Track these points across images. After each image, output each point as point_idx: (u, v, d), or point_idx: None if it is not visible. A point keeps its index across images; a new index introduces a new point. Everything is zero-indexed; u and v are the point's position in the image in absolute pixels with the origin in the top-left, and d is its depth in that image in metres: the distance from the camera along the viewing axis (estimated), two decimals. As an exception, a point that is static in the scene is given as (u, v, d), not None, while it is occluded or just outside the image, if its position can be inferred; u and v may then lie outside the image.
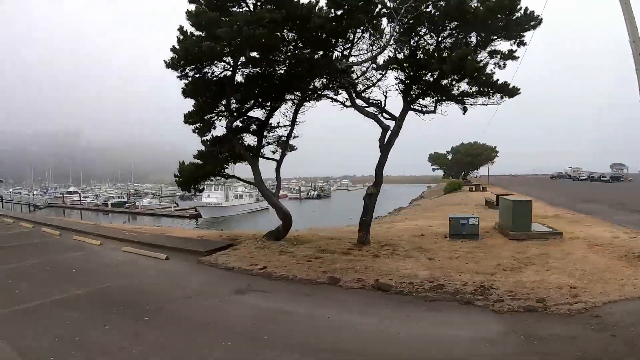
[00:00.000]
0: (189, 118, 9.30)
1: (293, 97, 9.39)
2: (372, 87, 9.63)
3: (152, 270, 7.74)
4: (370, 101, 9.61)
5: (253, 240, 10.16)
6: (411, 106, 9.71)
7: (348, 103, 9.40)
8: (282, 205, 10.14)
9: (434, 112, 10.01)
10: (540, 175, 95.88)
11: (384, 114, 9.70)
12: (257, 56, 7.72)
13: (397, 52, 9.14)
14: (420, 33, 8.92)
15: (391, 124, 9.46)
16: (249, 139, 10.76)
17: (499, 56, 9.13)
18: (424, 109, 10.00)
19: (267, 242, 9.89)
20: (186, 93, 8.23)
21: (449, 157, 50.58)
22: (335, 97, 9.57)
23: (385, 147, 9.26)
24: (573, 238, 9.62)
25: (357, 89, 9.44)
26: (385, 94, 9.57)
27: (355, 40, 8.42)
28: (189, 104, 8.95)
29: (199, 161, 10.35)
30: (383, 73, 9.27)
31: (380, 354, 4.12)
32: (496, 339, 4.29)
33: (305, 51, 7.64)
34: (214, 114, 9.28)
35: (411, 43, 8.99)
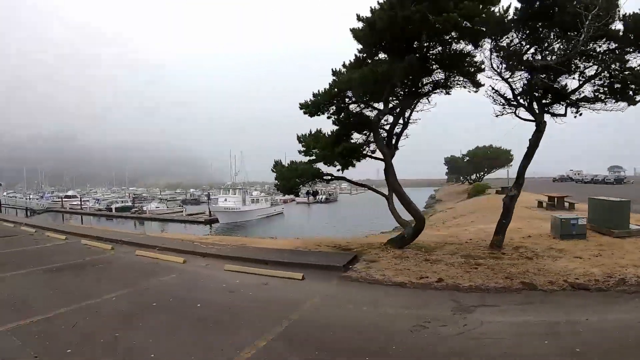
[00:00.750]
0: (312, 107, 8.29)
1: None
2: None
3: (314, 295, 6.11)
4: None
5: (378, 249, 9.20)
6: (545, 109, 9.08)
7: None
8: (419, 209, 9.23)
9: (564, 115, 9.46)
10: (540, 178, 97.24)
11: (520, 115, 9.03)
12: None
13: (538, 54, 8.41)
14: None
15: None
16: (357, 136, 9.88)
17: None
18: (555, 113, 9.43)
19: (395, 250, 8.95)
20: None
21: (464, 160, 50.49)
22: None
23: (534, 148, 8.57)
24: (664, 233, 10.03)
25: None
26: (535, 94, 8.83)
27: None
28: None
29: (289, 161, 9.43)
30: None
31: None
32: None
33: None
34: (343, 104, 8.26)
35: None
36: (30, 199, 61.69)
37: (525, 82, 8.25)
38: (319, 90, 8.31)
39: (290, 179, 9.39)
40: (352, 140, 9.53)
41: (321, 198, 66.12)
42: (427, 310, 5.29)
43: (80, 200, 57.75)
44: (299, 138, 9.85)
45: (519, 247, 9.25)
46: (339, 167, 9.65)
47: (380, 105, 8.76)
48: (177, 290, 6.72)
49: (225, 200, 39.99)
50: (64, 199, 60.65)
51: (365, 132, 9.61)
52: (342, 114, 8.11)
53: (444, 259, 8.03)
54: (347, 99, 8.56)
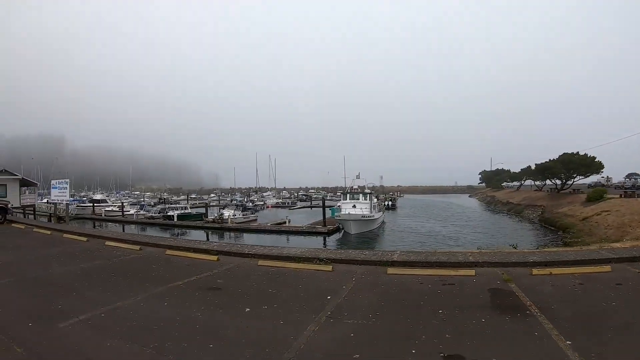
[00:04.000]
0: None
1: None
2: None
3: None
4: None
5: None
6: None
7: None
8: None
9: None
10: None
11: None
12: None
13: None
14: None
15: None
16: None
17: None
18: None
19: None
20: None
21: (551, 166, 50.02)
22: None
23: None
24: None
25: None
26: None
27: None
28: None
29: None
30: None
31: None
32: None
33: None
34: None
35: None
36: (47, 202, 50.19)
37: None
38: None
39: None
40: None
41: (388, 204, 62.59)
42: None
43: (122, 206, 47.88)
44: None
45: None
46: None
47: None
48: None
49: (354, 206, 34.53)
50: (95, 204, 50.30)
51: None
52: None
53: None
54: None
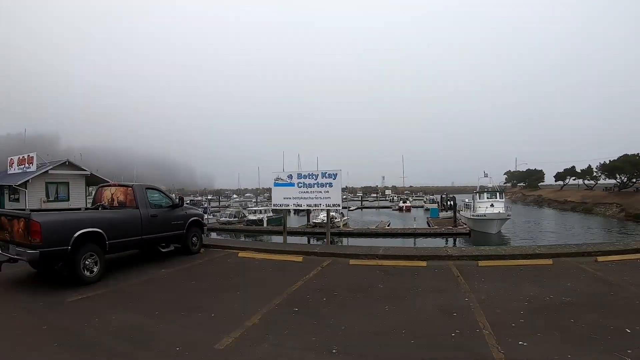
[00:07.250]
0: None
1: None
2: None
3: None
4: None
5: None
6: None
7: None
8: None
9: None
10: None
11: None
12: None
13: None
14: None
15: None
16: None
17: None
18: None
19: None
20: None
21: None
22: None
23: None
24: None
25: None
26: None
27: None
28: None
29: None
30: None
31: None
32: None
33: None
34: None
35: None
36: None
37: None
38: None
39: None
40: None
41: (450, 203, 61.84)
42: None
43: (207, 210, 40.72)
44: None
45: None
46: None
47: None
48: None
49: (492, 205, 32.40)
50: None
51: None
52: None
53: None
54: None
